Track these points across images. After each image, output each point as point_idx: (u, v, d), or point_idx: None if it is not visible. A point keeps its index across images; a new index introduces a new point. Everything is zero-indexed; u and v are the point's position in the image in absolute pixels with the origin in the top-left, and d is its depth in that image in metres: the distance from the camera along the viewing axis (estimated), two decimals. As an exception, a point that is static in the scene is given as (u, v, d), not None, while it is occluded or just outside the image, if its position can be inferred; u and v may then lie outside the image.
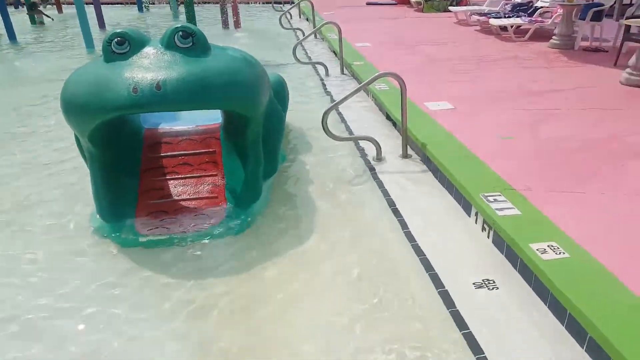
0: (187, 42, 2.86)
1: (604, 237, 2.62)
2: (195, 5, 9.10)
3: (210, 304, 2.59)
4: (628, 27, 6.06)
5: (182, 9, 8.57)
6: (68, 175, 4.14)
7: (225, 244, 3.08)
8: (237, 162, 3.44)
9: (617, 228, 2.71)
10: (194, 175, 3.52)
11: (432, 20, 10.78)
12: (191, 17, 7.53)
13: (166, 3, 15.84)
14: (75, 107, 2.80)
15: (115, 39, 2.82)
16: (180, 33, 2.85)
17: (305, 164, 4.24)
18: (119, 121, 3.14)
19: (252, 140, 3.36)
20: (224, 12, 11.24)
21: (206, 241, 3.09)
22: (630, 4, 8.51)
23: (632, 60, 5.37)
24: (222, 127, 3.70)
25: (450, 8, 10.66)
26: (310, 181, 3.92)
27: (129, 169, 3.40)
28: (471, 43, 8.11)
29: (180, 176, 3.51)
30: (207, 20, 12.89)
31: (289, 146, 4.60)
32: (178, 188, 3.46)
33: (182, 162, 3.56)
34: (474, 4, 10.86)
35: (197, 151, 3.62)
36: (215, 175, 3.51)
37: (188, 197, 3.42)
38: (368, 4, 13.94)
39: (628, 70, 5.40)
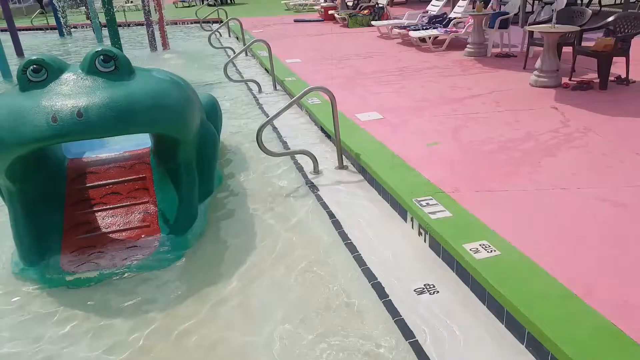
0: (109, 65, 2.76)
1: (529, 231, 2.78)
2: (120, 27, 8.74)
3: (151, 342, 2.43)
4: (531, 33, 6.60)
5: (106, 32, 8.13)
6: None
7: (161, 275, 2.92)
8: (170, 187, 3.31)
9: (539, 221, 2.90)
10: (124, 204, 3.33)
11: (356, 34, 11.12)
12: (116, 40, 7.21)
13: (89, 27, 15.08)
14: None
15: (31, 67, 2.66)
16: (102, 57, 2.74)
17: (242, 182, 4.17)
18: (38, 154, 2.93)
19: (185, 164, 3.26)
20: (150, 34, 10.89)
21: (139, 273, 2.91)
22: (532, 12, 9.31)
23: (538, 63, 5.84)
24: (152, 151, 3.56)
25: (373, 22, 11.08)
26: (248, 200, 3.86)
27: (52, 204, 3.18)
28: (394, 55, 8.45)
29: (108, 207, 3.31)
30: (134, 43, 12.42)
31: (225, 165, 4.51)
32: (107, 219, 3.25)
33: (110, 192, 3.37)
34: (394, 18, 11.34)
35: (126, 178, 3.43)
36: (147, 202, 3.35)
37: (118, 228, 3.21)
38: (296, 21, 14.13)
39: (535, 72, 5.86)
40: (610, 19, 5.82)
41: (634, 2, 10.73)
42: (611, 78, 5.65)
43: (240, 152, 4.82)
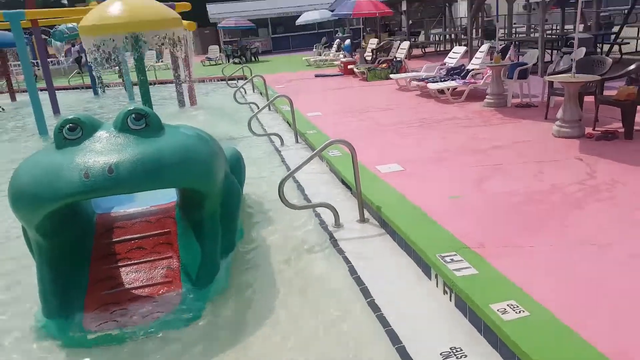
0: (140, 123, 2.89)
1: (558, 290, 2.67)
2: (150, 85, 9.28)
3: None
4: (552, 83, 6.63)
5: (137, 89, 8.60)
6: (11, 270, 3.89)
7: (182, 331, 2.91)
8: (194, 241, 3.35)
9: (568, 279, 2.78)
10: (148, 259, 3.37)
11: (376, 87, 11.38)
12: (146, 98, 7.59)
13: (121, 85, 15.96)
14: (23, 198, 2.72)
15: (67, 126, 2.82)
16: (133, 115, 2.89)
17: (264, 236, 4.20)
18: (69, 209, 3.03)
19: (209, 217, 3.33)
20: (179, 91, 11.46)
21: (160, 331, 2.89)
22: (551, 61, 9.39)
23: (560, 113, 5.82)
24: (177, 205, 3.64)
25: (391, 76, 11.35)
26: (269, 254, 3.86)
27: (79, 259, 3.25)
28: (413, 107, 8.58)
29: (133, 262, 3.36)
30: (163, 100, 13.01)
31: (247, 218, 4.56)
32: (130, 275, 3.29)
33: (135, 247, 3.43)
34: (412, 71, 11.61)
35: (151, 233, 3.50)
36: (170, 257, 3.39)
37: (141, 284, 3.24)
38: (316, 76, 14.61)
39: (558, 122, 5.83)
40: (632, 67, 5.81)
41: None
42: (637, 127, 5.55)
43: (263, 205, 4.88)
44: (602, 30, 12.32)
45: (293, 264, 3.67)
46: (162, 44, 7.00)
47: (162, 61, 20.54)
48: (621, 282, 2.72)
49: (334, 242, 3.86)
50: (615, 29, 12.44)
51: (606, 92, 6.28)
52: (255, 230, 4.32)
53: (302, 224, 4.32)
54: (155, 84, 15.97)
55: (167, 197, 3.76)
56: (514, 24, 16.35)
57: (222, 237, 3.48)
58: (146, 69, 9.04)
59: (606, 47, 11.87)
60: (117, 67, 16.46)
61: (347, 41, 17.15)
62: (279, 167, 6.15)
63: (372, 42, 15.82)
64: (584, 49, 7.54)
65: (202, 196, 3.19)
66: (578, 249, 3.12)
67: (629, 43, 11.93)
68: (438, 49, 19.00)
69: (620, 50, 11.52)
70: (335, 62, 16.17)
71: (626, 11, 12.65)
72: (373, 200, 4.19)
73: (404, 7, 18.30)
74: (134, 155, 2.70)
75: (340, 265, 3.51)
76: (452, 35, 18.91)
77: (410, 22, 18.88)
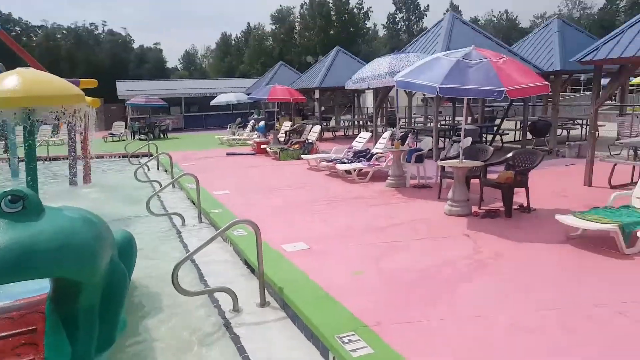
0: (16, 206, 2.66)
1: (450, 366, 2.70)
2: (41, 161, 8.45)
3: None
4: (443, 167, 7.28)
5: (22, 166, 7.73)
6: None
7: None
8: (64, 339, 2.94)
9: (458, 352, 2.85)
10: None
11: (287, 167, 11.68)
12: (32, 176, 6.89)
13: (5, 161, 14.42)
14: None
15: None
16: (9, 197, 2.66)
17: (150, 327, 3.79)
18: None
19: (85, 310, 3.00)
20: (72, 168, 10.68)
21: None
22: (444, 148, 10.42)
23: (450, 193, 6.35)
24: (49, 297, 3.18)
25: (303, 156, 11.81)
26: (154, 350, 3.47)
27: None
28: (322, 186, 8.87)
29: None
30: (54, 177, 12.02)
31: (134, 308, 4.12)
32: None
33: None
34: (323, 152, 12.19)
35: (11, 332, 2.99)
36: None
37: None
38: (228, 154, 14.68)
39: (449, 202, 6.33)
40: (509, 155, 6.62)
41: (530, 139, 12.42)
42: (515, 206, 6.21)
43: (153, 293, 4.46)
44: (486, 123, 14.09)
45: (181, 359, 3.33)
46: (59, 119, 6.62)
47: (57, 136, 19.28)
48: (505, 351, 2.83)
49: (230, 330, 3.61)
50: (497, 121, 14.31)
51: (489, 176, 7.02)
52: (142, 321, 3.90)
53: (197, 311, 3.99)
54: (47, 160, 14.83)
55: (37, 288, 3.30)
56: (414, 114, 18.20)
57: (100, 332, 3.12)
58: (39, 144, 8.26)
59: (490, 137, 13.51)
60: (3, 142, 15.01)
61: (262, 122, 17.72)
62: (176, 249, 5.75)
63: (286, 125, 16.52)
64: (470, 139, 8.50)
65: (79, 286, 2.91)
66: (465, 322, 3.24)
67: (508, 134, 13.70)
68: (347, 134, 20.27)
69: (501, 139, 13.16)
70: (249, 142, 16.45)
71: (506, 107, 14.71)
72: (275, 281, 4.08)
73: (317, 95, 19.64)
74: (1, 242, 2.45)
75: (235, 356, 3.25)
76: (360, 122, 20.40)
77: (323, 108, 20.14)
